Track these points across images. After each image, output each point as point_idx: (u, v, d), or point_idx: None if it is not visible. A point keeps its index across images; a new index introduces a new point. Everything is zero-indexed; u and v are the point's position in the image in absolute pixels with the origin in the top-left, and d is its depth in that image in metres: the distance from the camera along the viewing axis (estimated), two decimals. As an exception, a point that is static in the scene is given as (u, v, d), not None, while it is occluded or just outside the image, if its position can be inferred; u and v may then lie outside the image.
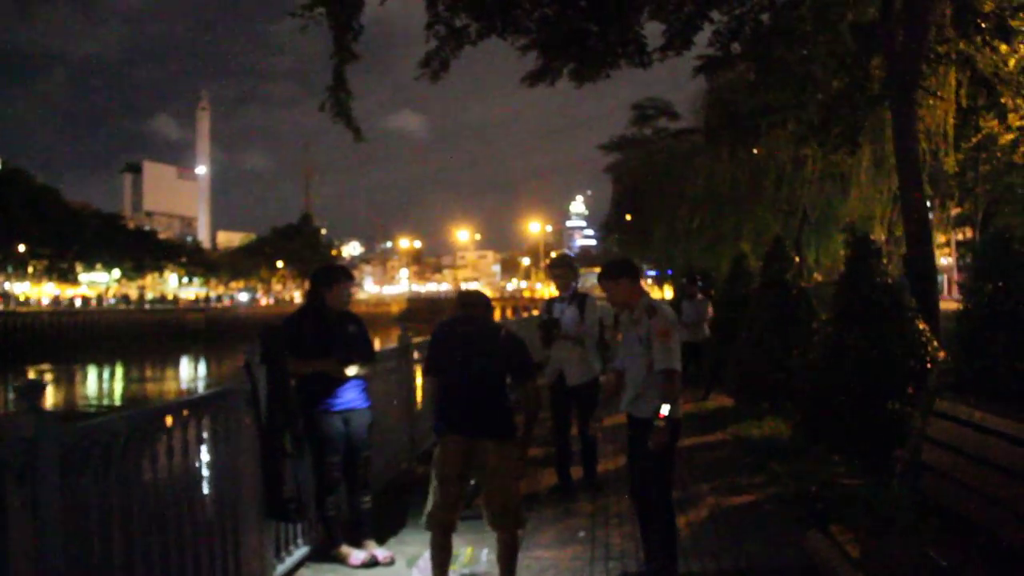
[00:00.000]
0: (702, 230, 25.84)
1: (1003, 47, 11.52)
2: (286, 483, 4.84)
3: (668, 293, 49.24)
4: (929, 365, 6.72)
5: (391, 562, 5.57)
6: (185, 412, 4.16)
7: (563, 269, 7.63)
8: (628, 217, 40.24)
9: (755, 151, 21.52)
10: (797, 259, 11.28)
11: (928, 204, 18.11)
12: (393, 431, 7.99)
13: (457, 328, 4.93)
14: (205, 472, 4.44)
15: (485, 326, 4.97)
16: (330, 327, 5.63)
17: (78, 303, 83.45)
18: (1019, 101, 13.75)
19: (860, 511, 5.17)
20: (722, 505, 6.85)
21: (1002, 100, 12.93)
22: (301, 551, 5.55)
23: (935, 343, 6.98)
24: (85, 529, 3.25)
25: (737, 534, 6.03)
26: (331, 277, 5.79)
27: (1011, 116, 13.77)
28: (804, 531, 4.51)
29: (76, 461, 3.19)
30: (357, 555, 5.54)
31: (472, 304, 5.02)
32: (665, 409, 4.81)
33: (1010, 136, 16.62)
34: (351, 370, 5.58)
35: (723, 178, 22.87)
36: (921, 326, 7.00)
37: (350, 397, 5.63)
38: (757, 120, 16.07)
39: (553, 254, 9.57)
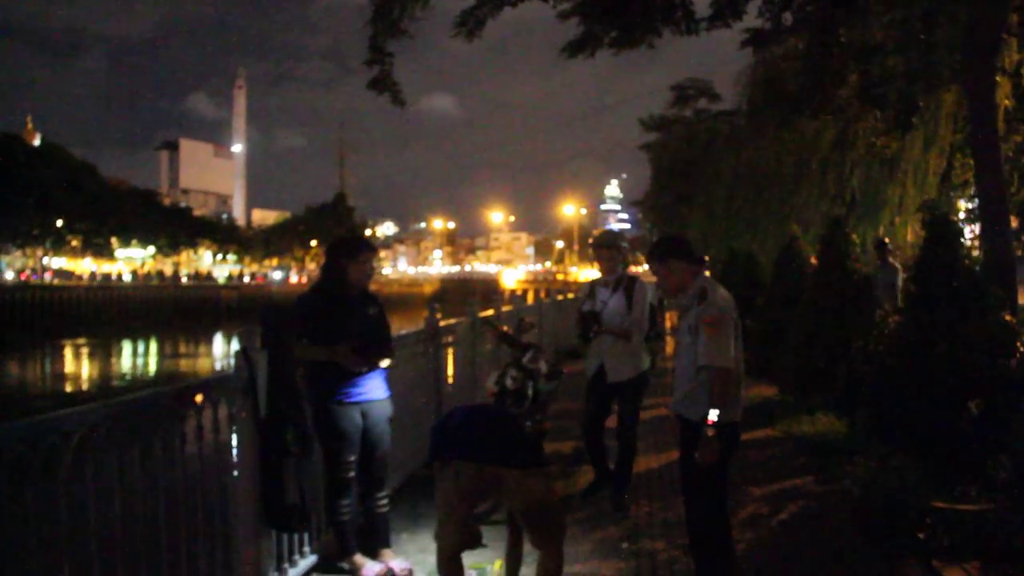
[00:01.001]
0: (742, 211, 24.94)
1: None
2: (287, 487, 4.21)
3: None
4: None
5: (408, 575, 4.93)
6: (162, 405, 3.53)
7: (609, 249, 6.55)
8: (663, 198, 39.39)
9: (801, 131, 20.60)
10: (858, 241, 10.38)
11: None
12: (416, 422, 7.37)
13: None
14: (190, 475, 3.81)
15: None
16: (350, 308, 4.95)
17: (114, 278, 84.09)
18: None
19: (972, 538, 4.41)
20: (779, 516, 6.11)
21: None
22: (308, 561, 4.92)
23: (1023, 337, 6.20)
24: (24, 550, 2.64)
25: (806, 561, 5.29)
26: (354, 248, 5.03)
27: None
28: (892, 561, 3.79)
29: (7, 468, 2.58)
30: (371, 567, 4.87)
31: None
32: (713, 415, 4.10)
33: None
34: (384, 362, 4.98)
35: (767, 158, 21.93)
36: (1008, 319, 6.23)
37: (369, 387, 4.96)
38: (806, 97, 15.17)
39: (596, 232, 8.46)
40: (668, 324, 17.63)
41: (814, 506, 6.35)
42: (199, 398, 3.80)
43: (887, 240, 13.72)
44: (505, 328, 7.24)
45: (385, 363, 5.05)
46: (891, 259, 12.37)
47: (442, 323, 8.25)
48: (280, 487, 4.16)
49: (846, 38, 13.09)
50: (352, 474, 4.90)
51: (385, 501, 5.14)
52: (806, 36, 13.72)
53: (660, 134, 43.48)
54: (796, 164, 21.27)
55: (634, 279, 6.57)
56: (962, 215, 34.22)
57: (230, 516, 4.03)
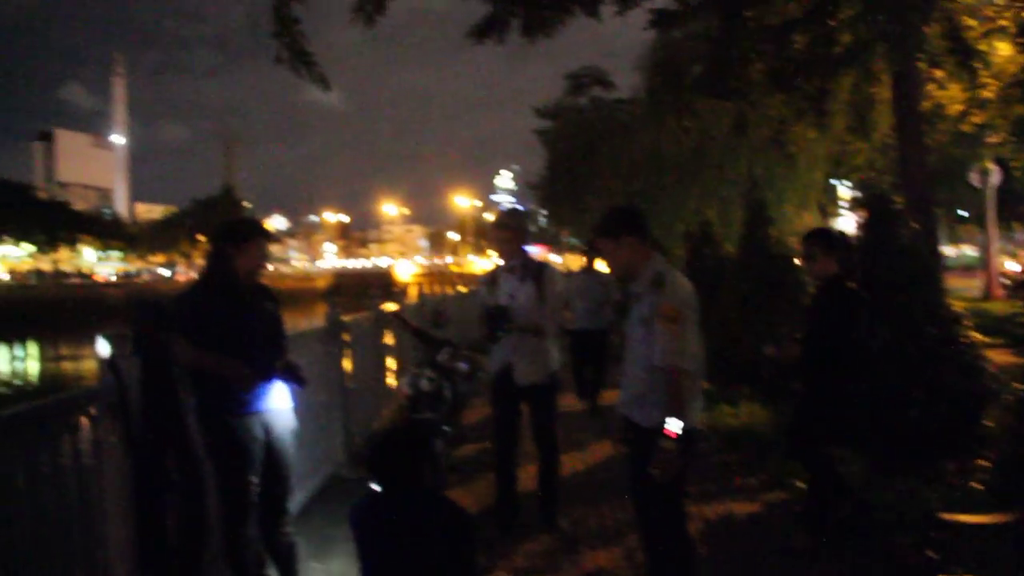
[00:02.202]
0: (643, 197, 24.79)
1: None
2: (169, 524, 3.50)
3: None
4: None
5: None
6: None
7: (509, 230, 5.68)
8: (559, 185, 39.21)
9: (700, 116, 20.49)
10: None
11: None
12: (320, 428, 6.68)
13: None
14: (49, 514, 3.05)
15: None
16: (241, 304, 4.21)
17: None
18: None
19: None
20: (728, 522, 5.67)
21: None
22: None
23: (966, 324, 5.91)
24: None
25: (765, 570, 4.85)
26: (242, 233, 4.26)
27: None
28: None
29: None
30: (278, 607, 4.20)
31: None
32: (673, 424, 3.59)
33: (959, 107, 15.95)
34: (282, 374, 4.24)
35: (666, 143, 21.73)
36: (957, 306, 5.93)
37: (271, 395, 4.26)
38: (709, 80, 14.91)
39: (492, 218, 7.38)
40: None
41: (761, 510, 5.91)
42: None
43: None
44: (414, 324, 6.53)
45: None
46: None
47: (344, 318, 7.57)
48: (161, 524, 3.45)
49: (753, 20, 12.87)
50: (254, 498, 4.18)
51: (290, 529, 4.45)
52: (711, 17, 13.47)
53: (555, 122, 43.36)
54: (696, 149, 21.15)
55: (543, 266, 5.76)
56: (844, 203, 35.03)
57: (100, 564, 3.30)
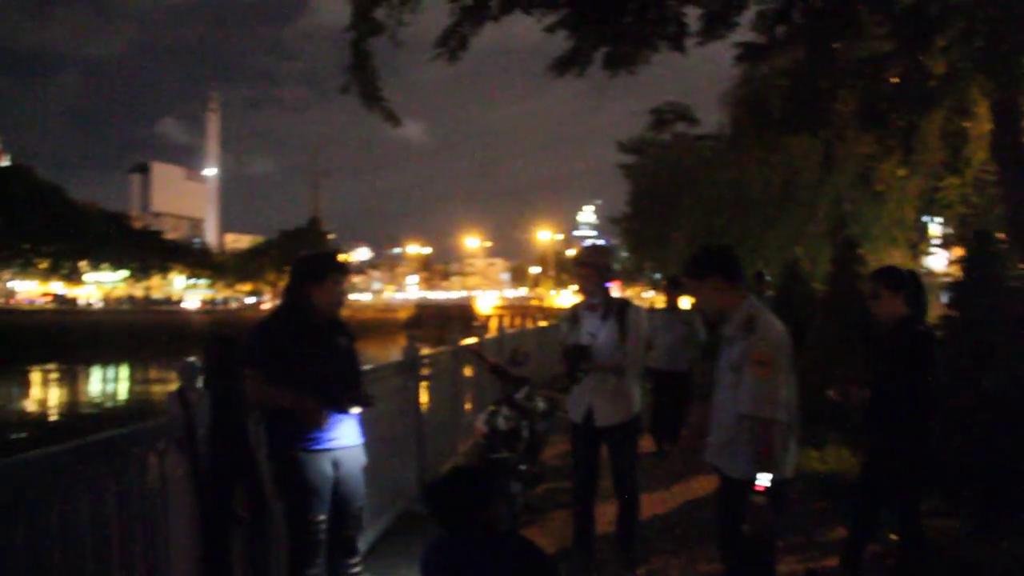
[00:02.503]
0: (726, 234, 24.37)
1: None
2: (236, 563, 3.41)
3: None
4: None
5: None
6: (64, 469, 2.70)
7: (590, 268, 5.47)
8: (641, 221, 39.01)
9: (787, 152, 20.08)
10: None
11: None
12: (392, 464, 6.58)
13: None
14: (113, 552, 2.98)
15: None
16: (316, 339, 4.15)
17: (89, 301, 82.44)
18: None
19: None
20: None
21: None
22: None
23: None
24: None
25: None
26: (321, 268, 4.22)
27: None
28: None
29: None
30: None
31: None
32: (764, 480, 3.40)
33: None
34: (355, 410, 4.17)
35: (751, 179, 21.32)
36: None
37: (341, 431, 4.17)
38: (796, 115, 14.54)
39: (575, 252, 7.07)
40: None
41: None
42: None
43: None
44: (493, 360, 6.39)
45: (357, 410, 4.24)
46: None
47: (422, 351, 7.49)
48: (226, 563, 3.37)
49: (841, 53, 12.55)
50: (322, 536, 4.09)
51: (359, 569, 4.34)
52: (798, 51, 13.19)
53: (638, 157, 43.28)
54: (783, 186, 20.70)
55: (626, 304, 5.59)
56: (937, 241, 33.92)
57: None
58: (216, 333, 3.79)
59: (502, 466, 5.55)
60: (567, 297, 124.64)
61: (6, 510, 2.35)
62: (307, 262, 4.31)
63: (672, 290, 9.82)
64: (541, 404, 5.82)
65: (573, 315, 5.69)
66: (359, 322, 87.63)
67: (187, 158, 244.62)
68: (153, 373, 48.67)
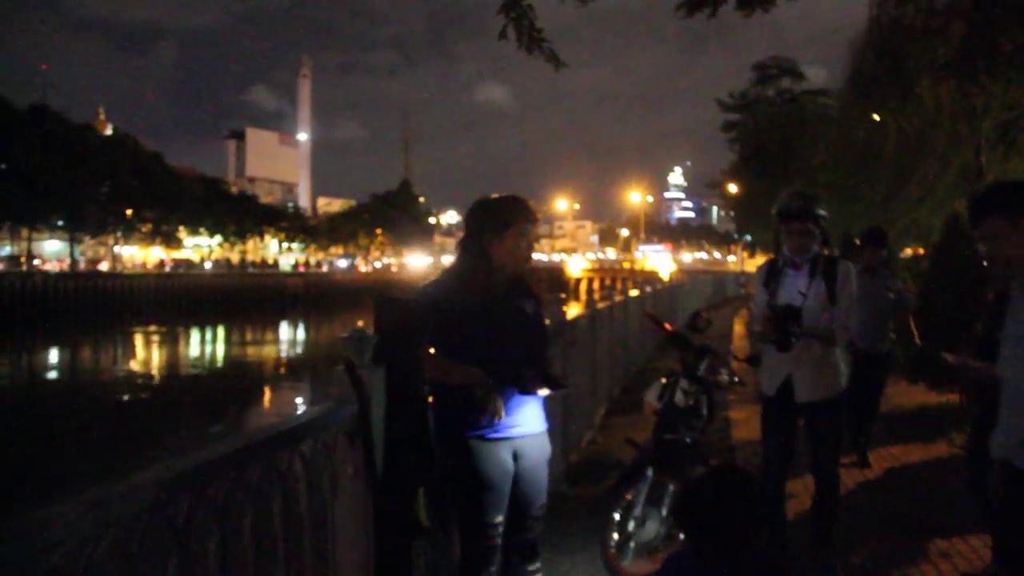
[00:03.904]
0: (847, 193, 22.89)
1: None
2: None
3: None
4: None
5: None
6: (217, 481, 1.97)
7: (803, 221, 4.58)
8: (751, 180, 37.53)
9: (921, 102, 18.61)
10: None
11: None
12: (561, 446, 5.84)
13: None
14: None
15: None
16: (499, 303, 3.41)
17: (168, 266, 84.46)
18: None
19: None
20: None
21: None
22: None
23: None
24: None
25: None
26: (503, 216, 3.43)
27: None
28: None
29: None
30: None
31: None
32: None
33: None
34: (541, 391, 3.39)
35: (883, 133, 19.78)
36: None
37: (524, 416, 3.43)
38: (965, 56, 13.17)
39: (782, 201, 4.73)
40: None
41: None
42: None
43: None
44: (669, 326, 5.48)
45: (544, 392, 3.46)
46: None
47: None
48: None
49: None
50: (499, 540, 3.36)
51: (538, 573, 3.60)
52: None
53: (744, 115, 41.72)
54: (917, 138, 19.17)
55: (835, 260, 4.74)
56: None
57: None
58: (387, 295, 3.01)
59: (684, 449, 4.75)
60: (658, 259, 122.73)
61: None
62: (485, 208, 3.51)
63: (874, 245, 7.44)
64: (725, 377, 4.96)
65: (767, 273, 4.84)
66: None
67: (280, 124, 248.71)
68: (250, 335, 49.41)
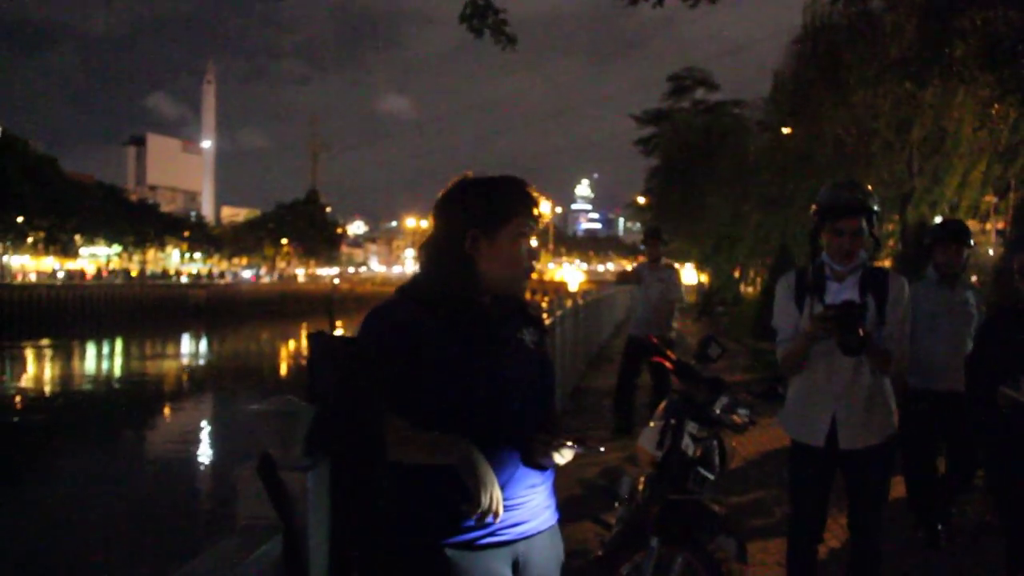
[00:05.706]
0: (769, 201, 22.52)
1: None
2: None
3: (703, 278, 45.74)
4: None
5: None
6: None
7: (855, 218, 3.56)
8: (672, 191, 37.33)
9: (853, 106, 18.30)
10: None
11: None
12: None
13: None
14: None
15: None
16: (487, 332, 2.19)
17: (60, 276, 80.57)
18: None
19: None
20: None
21: None
22: None
23: None
24: None
25: None
26: (497, 206, 2.22)
27: None
28: None
29: None
30: None
31: None
32: None
33: None
34: (566, 455, 2.22)
35: (825, 139, 19.26)
36: None
37: (530, 507, 2.21)
38: (918, 57, 12.64)
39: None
40: None
41: None
42: None
43: None
44: (673, 356, 4.25)
45: (567, 456, 2.24)
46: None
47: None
48: None
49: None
50: None
51: None
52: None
53: (660, 127, 41.78)
54: (854, 144, 18.72)
55: (884, 271, 3.80)
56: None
57: None
58: (320, 332, 1.73)
59: (703, 514, 3.66)
60: (568, 272, 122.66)
61: None
62: (470, 194, 2.28)
63: (953, 244, 5.29)
64: (745, 418, 3.86)
65: (802, 284, 3.76)
66: (358, 296, 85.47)
67: (183, 131, 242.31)
68: (149, 349, 47.12)
